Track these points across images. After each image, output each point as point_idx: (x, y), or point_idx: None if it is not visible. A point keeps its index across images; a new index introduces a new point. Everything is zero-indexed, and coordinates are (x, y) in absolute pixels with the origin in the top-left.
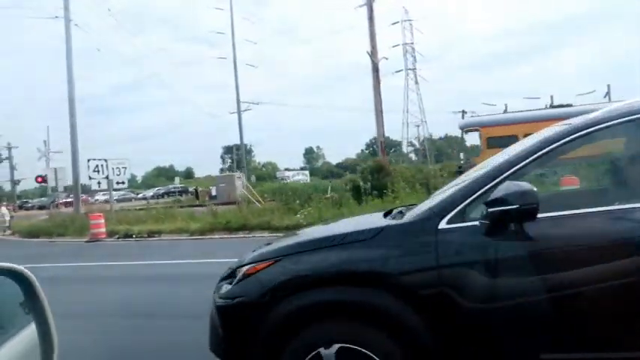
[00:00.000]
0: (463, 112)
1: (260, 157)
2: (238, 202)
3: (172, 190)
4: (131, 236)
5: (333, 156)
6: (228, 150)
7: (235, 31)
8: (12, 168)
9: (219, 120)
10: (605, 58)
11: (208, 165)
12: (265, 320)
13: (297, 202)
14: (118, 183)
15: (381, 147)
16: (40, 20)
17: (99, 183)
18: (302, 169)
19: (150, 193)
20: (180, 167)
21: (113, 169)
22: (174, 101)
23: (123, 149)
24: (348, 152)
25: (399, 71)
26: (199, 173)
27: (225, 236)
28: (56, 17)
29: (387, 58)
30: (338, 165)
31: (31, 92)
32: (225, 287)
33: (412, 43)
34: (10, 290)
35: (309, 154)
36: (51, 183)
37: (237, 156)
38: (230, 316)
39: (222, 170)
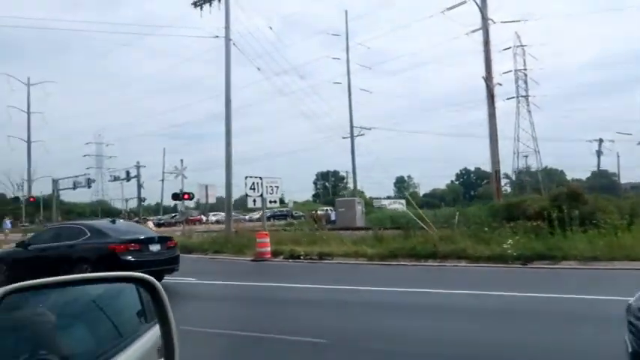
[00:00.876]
0: (600, 140)
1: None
2: (408, 227)
3: (277, 213)
4: (298, 257)
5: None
6: (322, 176)
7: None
8: (139, 186)
9: (311, 146)
10: None
11: (296, 191)
12: None
13: (486, 229)
14: (270, 202)
15: (496, 177)
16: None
17: (254, 201)
18: (388, 197)
19: (256, 215)
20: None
21: (266, 187)
22: (269, 127)
23: (214, 173)
24: (433, 183)
25: (511, 98)
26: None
27: (417, 263)
28: (216, 37)
29: (501, 84)
30: (425, 195)
31: (140, 114)
32: None
33: (525, 70)
34: (129, 300)
35: (400, 183)
36: (202, 200)
37: (333, 182)
38: None
39: (315, 196)
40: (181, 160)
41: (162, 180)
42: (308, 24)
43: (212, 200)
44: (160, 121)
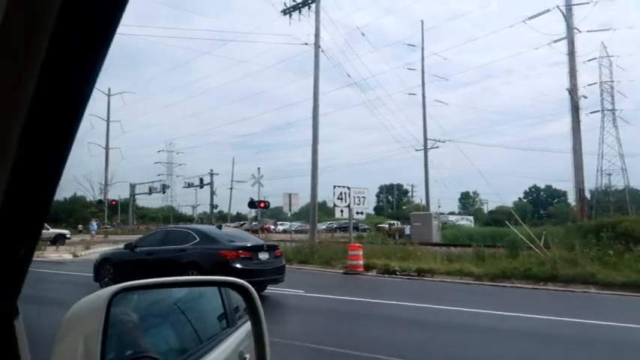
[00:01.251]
0: None
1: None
2: (515, 246)
3: (343, 225)
4: (394, 272)
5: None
6: (387, 189)
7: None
8: (212, 193)
9: (375, 159)
10: None
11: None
12: None
13: (611, 252)
14: (357, 213)
15: (580, 195)
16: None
17: (342, 211)
18: (451, 213)
19: (322, 226)
20: (331, 204)
21: (354, 197)
22: (330, 139)
23: (280, 183)
24: (500, 199)
25: (595, 112)
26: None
27: (536, 287)
28: (306, 44)
29: (586, 97)
30: (491, 212)
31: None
32: None
33: (611, 82)
34: (211, 303)
35: (465, 199)
36: (285, 208)
37: (397, 196)
38: None
39: (377, 209)
40: (258, 168)
41: (231, 188)
42: (379, 34)
43: (295, 209)
44: (227, 130)
